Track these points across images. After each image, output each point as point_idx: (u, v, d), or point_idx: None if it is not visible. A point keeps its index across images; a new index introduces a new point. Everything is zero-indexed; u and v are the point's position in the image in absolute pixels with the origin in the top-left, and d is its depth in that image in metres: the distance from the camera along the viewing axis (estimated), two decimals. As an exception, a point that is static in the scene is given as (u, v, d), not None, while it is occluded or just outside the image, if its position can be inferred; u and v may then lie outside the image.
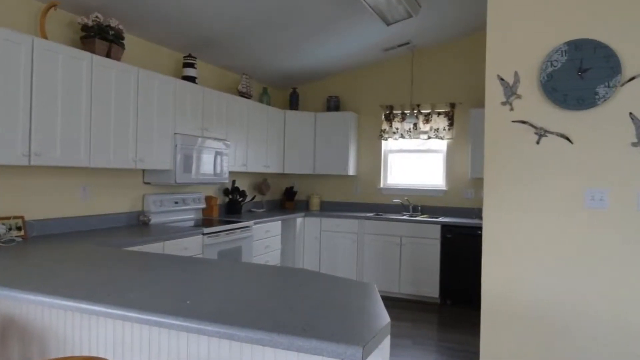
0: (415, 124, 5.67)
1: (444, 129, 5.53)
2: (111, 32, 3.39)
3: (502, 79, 2.75)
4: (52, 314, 1.90)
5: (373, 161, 5.97)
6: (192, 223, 4.25)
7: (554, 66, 2.61)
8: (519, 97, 2.71)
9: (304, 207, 6.25)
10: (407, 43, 5.30)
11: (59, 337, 1.89)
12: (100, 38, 3.33)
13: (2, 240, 2.79)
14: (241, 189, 5.43)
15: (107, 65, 3.29)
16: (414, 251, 5.09)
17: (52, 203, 3.30)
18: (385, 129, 5.84)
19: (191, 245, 3.64)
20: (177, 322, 1.40)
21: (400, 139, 5.79)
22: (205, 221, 4.41)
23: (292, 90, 6.22)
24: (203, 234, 3.78)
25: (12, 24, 3.01)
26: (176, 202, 4.34)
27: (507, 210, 2.74)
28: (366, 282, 1.89)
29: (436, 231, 5.00)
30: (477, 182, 5.37)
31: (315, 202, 6.08)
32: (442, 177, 5.64)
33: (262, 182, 5.76)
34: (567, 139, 2.60)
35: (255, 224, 4.60)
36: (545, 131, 2.64)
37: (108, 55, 3.38)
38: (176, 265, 2.18)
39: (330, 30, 4.53)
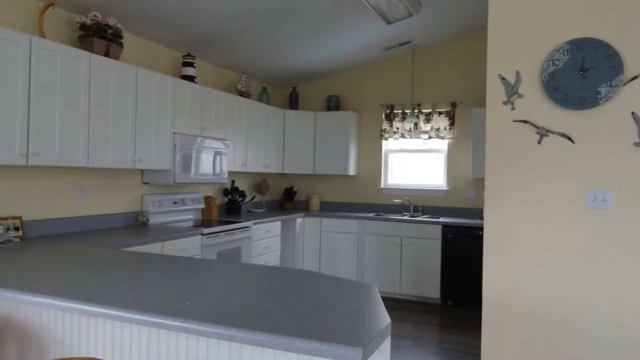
0: (416, 124, 5.66)
1: (445, 129, 5.51)
2: (110, 31, 3.37)
3: (503, 79, 2.73)
4: (51, 315, 1.89)
5: (373, 161, 5.96)
6: (191, 223, 4.24)
7: (556, 65, 2.59)
8: (520, 96, 2.69)
9: (304, 208, 6.24)
10: (408, 42, 5.29)
11: (57, 338, 1.87)
12: (99, 37, 3.31)
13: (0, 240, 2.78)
14: (240, 189, 5.42)
15: (106, 65, 3.27)
16: (414, 252, 5.08)
17: (50, 203, 3.28)
18: (385, 129, 5.82)
19: (190, 246, 3.62)
20: (176, 323, 1.38)
21: (401, 139, 5.77)
22: (205, 221, 4.40)
23: (291, 90, 6.20)
24: (202, 235, 3.77)
25: (10, 23, 2.99)
26: (175, 203, 4.33)
27: (508, 210, 2.72)
28: (367, 283, 1.87)
29: (437, 232, 4.99)
30: (479, 182, 5.35)
31: (315, 202, 6.06)
32: (443, 177, 5.63)
33: (261, 182, 5.74)
34: (569, 138, 2.59)
35: (254, 224, 4.58)
36: (547, 131, 2.63)
37: (106, 55, 3.37)
38: (175, 266, 2.16)
39: (331, 29, 4.51)
